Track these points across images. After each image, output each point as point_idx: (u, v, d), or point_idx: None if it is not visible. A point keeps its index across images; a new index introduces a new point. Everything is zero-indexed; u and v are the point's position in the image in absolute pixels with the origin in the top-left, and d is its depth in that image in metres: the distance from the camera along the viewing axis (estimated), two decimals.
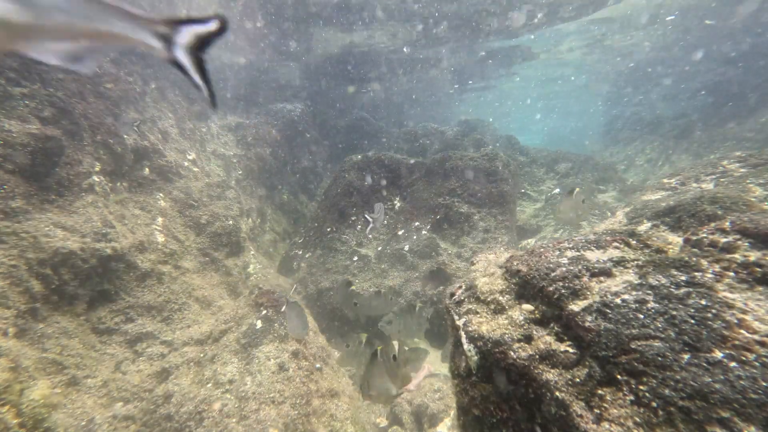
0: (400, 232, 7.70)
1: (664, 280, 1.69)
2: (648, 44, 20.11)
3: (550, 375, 1.61)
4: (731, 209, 2.00)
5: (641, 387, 1.40)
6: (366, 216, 5.43)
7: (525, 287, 2.00)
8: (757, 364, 1.31)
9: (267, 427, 3.74)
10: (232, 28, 11.38)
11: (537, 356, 1.70)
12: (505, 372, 1.78)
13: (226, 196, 7.70)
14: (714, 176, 3.17)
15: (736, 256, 1.70)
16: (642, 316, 1.56)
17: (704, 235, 1.88)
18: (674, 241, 1.97)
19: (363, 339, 4.02)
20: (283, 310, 4.63)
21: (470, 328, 2.01)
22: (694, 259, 1.77)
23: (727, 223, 1.85)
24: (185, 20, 1.18)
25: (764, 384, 1.25)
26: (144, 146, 6.52)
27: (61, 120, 5.30)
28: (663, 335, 1.48)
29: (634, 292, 1.68)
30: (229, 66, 12.00)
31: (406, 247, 7.23)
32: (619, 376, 1.46)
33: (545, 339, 1.74)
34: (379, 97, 19.54)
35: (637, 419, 1.35)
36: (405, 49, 15.02)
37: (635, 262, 1.85)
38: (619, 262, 1.87)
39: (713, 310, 1.50)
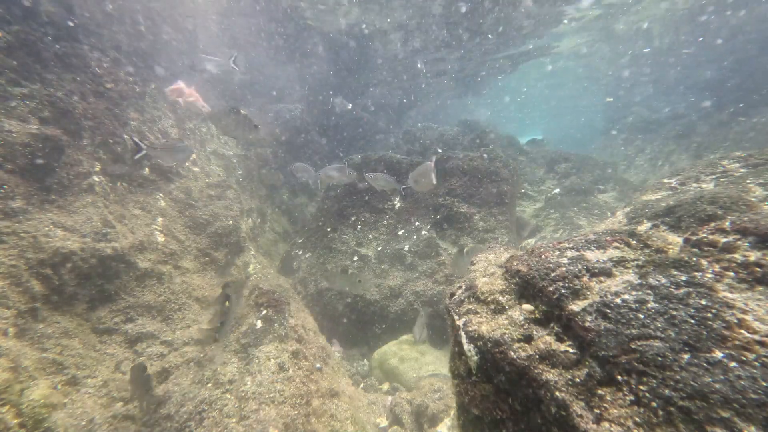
0: (400, 232, 7.70)
1: (664, 280, 1.69)
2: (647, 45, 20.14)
3: (550, 375, 1.61)
4: (731, 209, 2.00)
5: (641, 387, 1.40)
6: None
7: (525, 287, 2.00)
8: (757, 364, 1.31)
9: (267, 427, 3.74)
10: (233, 28, 11.40)
11: (537, 356, 1.70)
12: (505, 372, 1.78)
13: (226, 196, 7.70)
14: (714, 176, 3.16)
15: (736, 256, 1.70)
16: (642, 316, 1.56)
17: (704, 235, 1.88)
18: (674, 241, 1.97)
19: None
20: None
21: (470, 328, 2.01)
22: (694, 259, 1.77)
23: (727, 223, 1.85)
24: None
25: (764, 384, 1.25)
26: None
27: (61, 120, 5.31)
28: (663, 335, 1.48)
29: (634, 292, 1.68)
30: (229, 67, 12.00)
31: (406, 247, 7.23)
32: (619, 376, 1.46)
33: (545, 339, 1.74)
34: (379, 98, 19.55)
35: (637, 419, 1.35)
36: (419, 65, 15.11)
37: (635, 262, 1.85)
38: (619, 262, 1.87)
39: (713, 310, 1.50)
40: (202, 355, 4.84)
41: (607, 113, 25.58)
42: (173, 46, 9.23)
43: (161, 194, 6.50)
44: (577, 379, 1.55)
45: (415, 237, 7.44)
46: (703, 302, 1.54)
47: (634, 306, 1.61)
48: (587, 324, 1.62)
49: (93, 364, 4.49)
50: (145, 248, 5.59)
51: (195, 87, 7.05)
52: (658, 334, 1.49)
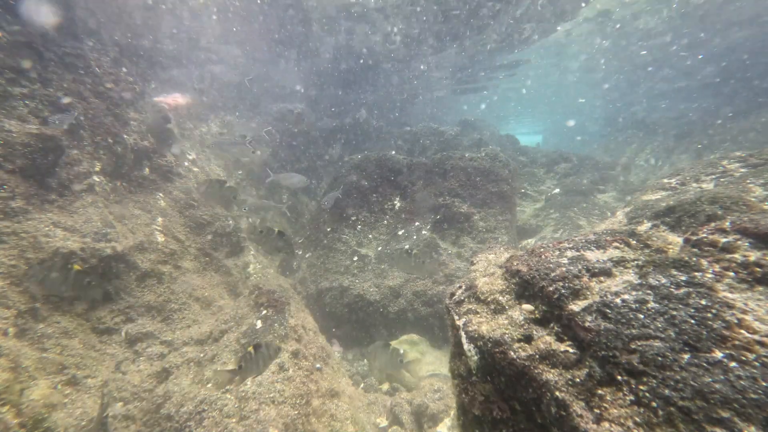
0: (400, 232, 7.69)
1: (664, 280, 1.69)
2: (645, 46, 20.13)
3: (550, 375, 1.61)
4: (731, 209, 2.00)
5: (641, 387, 1.40)
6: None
7: (525, 287, 2.00)
8: (757, 364, 1.31)
9: (267, 427, 3.74)
10: (233, 28, 11.40)
11: (537, 356, 1.70)
12: (505, 372, 1.78)
13: None
14: (714, 176, 3.16)
15: (736, 256, 1.70)
16: (642, 316, 1.56)
17: (704, 235, 1.87)
18: (674, 241, 1.97)
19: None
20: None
21: (470, 328, 2.01)
22: (694, 259, 1.76)
23: (727, 223, 1.85)
24: None
25: (764, 384, 1.25)
26: (144, 146, 6.52)
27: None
28: (663, 335, 1.48)
29: (634, 292, 1.68)
30: (230, 67, 12.00)
31: (406, 247, 7.23)
32: (619, 376, 1.46)
33: (545, 339, 1.74)
34: (379, 98, 19.55)
35: (637, 419, 1.35)
36: (422, 67, 15.12)
37: (635, 262, 1.85)
38: (619, 262, 1.87)
39: (713, 310, 1.50)
40: (202, 355, 4.84)
41: (606, 114, 25.59)
42: (173, 46, 9.23)
43: (161, 194, 6.50)
44: (577, 379, 1.55)
45: (415, 237, 7.44)
46: (703, 302, 1.54)
47: (634, 306, 1.61)
48: (587, 324, 1.62)
49: (93, 364, 4.49)
50: (145, 248, 5.59)
51: (179, 93, 7.11)
52: (658, 334, 1.49)
